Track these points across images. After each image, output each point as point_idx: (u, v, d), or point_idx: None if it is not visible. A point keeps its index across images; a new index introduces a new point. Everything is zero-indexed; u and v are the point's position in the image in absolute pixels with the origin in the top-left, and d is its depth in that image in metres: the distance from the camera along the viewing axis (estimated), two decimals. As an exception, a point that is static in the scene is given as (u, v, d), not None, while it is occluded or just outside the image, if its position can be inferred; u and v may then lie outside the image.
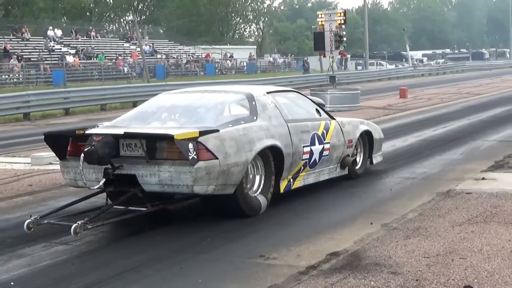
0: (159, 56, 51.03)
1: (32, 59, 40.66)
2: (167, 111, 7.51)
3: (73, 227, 5.87)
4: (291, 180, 7.68)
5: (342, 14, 23.98)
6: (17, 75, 38.18)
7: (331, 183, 8.50)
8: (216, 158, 6.42)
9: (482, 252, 5.40)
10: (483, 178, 8.61)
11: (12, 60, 38.14)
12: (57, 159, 7.34)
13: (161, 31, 72.90)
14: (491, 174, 8.98)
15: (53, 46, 44.68)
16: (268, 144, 7.10)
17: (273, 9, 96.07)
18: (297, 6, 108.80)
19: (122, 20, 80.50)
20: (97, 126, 7.47)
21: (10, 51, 39.63)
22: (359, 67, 61.32)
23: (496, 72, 53.85)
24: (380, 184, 8.78)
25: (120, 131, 6.64)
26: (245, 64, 57.30)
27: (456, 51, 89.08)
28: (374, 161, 9.57)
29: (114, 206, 6.69)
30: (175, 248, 5.91)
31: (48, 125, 19.99)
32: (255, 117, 7.23)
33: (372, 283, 4.76)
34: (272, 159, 7.24)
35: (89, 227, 6.06)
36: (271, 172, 7.25)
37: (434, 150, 11.52)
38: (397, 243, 5.72)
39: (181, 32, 70.89)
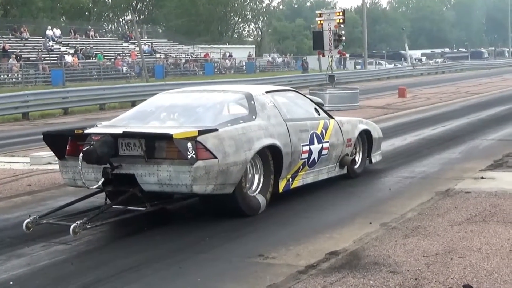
0: (158, 55, 50.94)
1: (30, 58, 40.58)
2: (166, 111, 7.51)
3: (72, 227, 5.87)
4: (290, 179, 7.67)
5: (341, 14, 24.06)
6: (15, 74, 38.13)
7: (330, 183, 8.50)
8: (215, 157, 6.41)
9: (481, 251, 5.40)
10: (482, 177, 8.60)
11: (10, 59, 38.08)
12: (56, 158, 7.34)
13: (160, 31, 72.87)
14: (490, 173, 8.97)
15: (52, 46, 44.62)
16: (267, 143, 7.10)
17: (272, 8, 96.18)
18: (296, 6, 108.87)
19: (121, 19, 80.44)
20: (96, 126, 7.47)
21: (8, 50, 39.56)
22: (358, 67, 61.29)
23: (495, 71, 53.82)
24: (379, 183, 8.78)
25: (119, 131, 6.63)
26: (244, 63, 57.28)
27: (455, 50, 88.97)
28: (373, 160, 9.57)
29: (113, 206, 6.69)
30: (174, 248, 5.90)
31: (47, 125, 19.95)
32: (254, 117, 7.23)
33: (371, 282, 4.77)
34: (271, 158, 7.24)
35: (88, 226, 6.06)
36: (270, 171, 7.24)
37: (433, 149, 11.51)
38: (396, 242, 5.72)
39: (180, 32, 70.85)
